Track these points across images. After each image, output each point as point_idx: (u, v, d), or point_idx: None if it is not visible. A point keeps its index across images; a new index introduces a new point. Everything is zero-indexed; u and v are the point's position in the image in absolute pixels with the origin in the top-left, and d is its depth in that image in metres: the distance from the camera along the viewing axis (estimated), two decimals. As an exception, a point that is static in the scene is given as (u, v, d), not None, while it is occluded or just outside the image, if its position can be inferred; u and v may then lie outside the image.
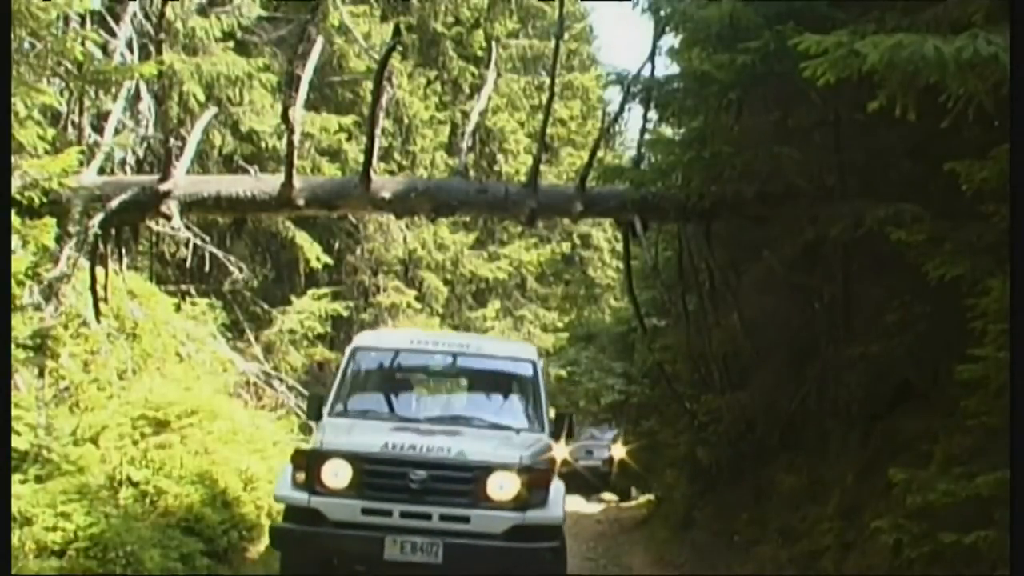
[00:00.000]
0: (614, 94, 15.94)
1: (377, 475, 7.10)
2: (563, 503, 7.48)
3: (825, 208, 8.73)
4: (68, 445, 8.72)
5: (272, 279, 16.89)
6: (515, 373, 8.62)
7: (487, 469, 7.12)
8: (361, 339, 9.14)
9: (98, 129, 11.25)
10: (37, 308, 9.15)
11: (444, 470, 7.09)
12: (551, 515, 7.31)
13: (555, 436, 7.97)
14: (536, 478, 7.21)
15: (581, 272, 26.72)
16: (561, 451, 7.90)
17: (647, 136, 11.51)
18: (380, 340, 9.58)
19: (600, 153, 12.81)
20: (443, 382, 9.22)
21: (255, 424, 11.63)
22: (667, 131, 11.94)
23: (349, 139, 16.29)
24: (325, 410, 8.04)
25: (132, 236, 10.89)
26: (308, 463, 7.17)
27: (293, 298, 16.01)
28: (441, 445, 7.22)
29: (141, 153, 13.20)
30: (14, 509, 6.99)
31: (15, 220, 7.65)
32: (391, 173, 16.95)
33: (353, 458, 7.12)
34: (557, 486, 7.44)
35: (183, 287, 14.16)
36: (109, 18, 11.83)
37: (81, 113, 10.40)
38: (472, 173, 14.89)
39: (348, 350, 8.72)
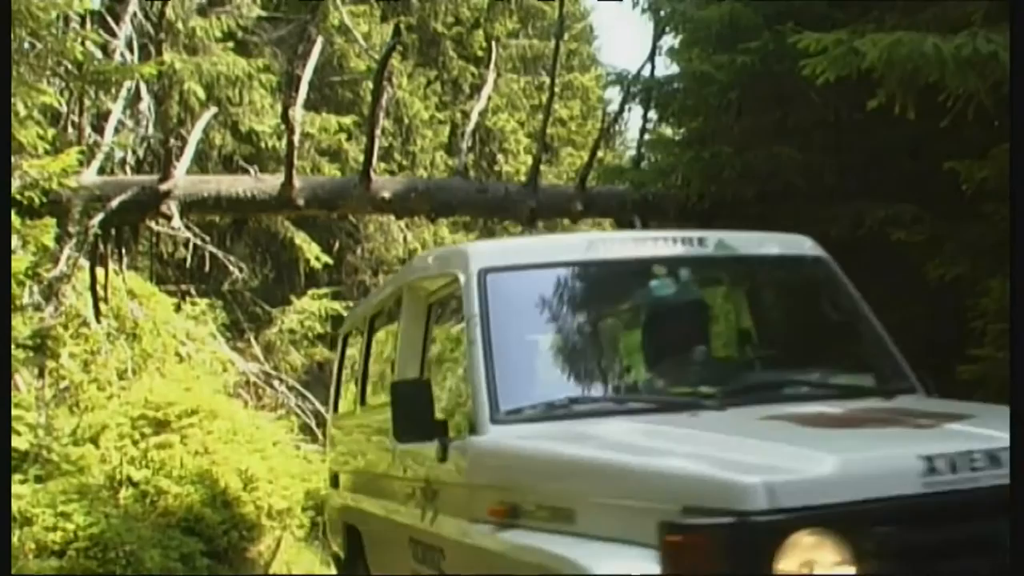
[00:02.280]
0: (614, 94, 15.86)
1: (924, 549, 3.01)
2: None
3: (825, 208, 8.71)
4: (68, 445, 8.76)
5: (272, 279, 16.89)
6: (807, 286, 4.91)
7: None
8: (480, 254, 4.48)
9: (98, 129, 11.24)
10: (37, 308, 9.14)
11: None
12: None
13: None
14: None
15: (581, 272, 26.64)
16: None
17: (647, 136, 11.50)
18: (527, 252, 4.73)
19: (600, 153, 12.80)
20: (678, 319, 4.63)
21: (255, 424, 11.63)
22: (667, 131, 11.92)
23: (349, 139, 16.30)
24: (479, 413, 3.94)
25: (132, 236, 10.87)
26: (735, 545, 2.91)
27: (293, 298, 16.00)
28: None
29: (141, 153, 13.19)
30: (14, 509, 7.00)
31: (15, 220, 7.65)
32: (391, 173, 16.95)
33: (860, 518, 2.96)
34: None
35: (183, 287, 14.16)
36: (109, 18, 11.82)
37: (81, 113, 10.38)
38: (472, 173, 14.91)
39: (469, 278, 4.27)
